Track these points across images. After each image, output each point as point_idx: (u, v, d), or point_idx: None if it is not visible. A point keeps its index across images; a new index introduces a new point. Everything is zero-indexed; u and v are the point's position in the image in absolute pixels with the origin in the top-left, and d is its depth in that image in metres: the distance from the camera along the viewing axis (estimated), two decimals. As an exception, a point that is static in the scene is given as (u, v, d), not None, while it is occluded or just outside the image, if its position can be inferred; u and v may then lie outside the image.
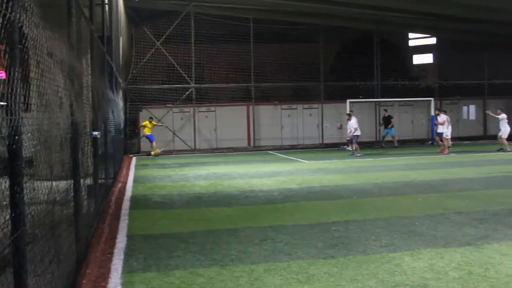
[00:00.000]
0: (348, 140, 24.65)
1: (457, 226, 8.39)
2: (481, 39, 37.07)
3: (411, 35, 49.92)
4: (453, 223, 8.57)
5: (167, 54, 27.50)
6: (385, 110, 28.72)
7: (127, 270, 6.40)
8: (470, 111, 33.43)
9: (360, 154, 22.38)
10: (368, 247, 7.19)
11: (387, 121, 27.98)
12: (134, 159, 23.68)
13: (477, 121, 33.01)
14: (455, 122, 30.60)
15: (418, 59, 52.07)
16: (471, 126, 32.39)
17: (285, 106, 30.12)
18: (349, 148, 23.90)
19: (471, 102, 33.63)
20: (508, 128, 22.57)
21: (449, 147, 22.71)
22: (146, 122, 24.78)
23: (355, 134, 22.83)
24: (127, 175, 17.11)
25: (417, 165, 18.15)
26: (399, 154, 22.85)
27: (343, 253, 6.92)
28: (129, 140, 26.57)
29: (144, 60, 27.21)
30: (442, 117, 22.84)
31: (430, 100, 29.44)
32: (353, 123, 22.95)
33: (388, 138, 27.87)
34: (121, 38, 21.42)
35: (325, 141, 29.69)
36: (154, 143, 24.78)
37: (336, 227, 8.48)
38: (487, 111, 24.84)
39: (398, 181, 14.12)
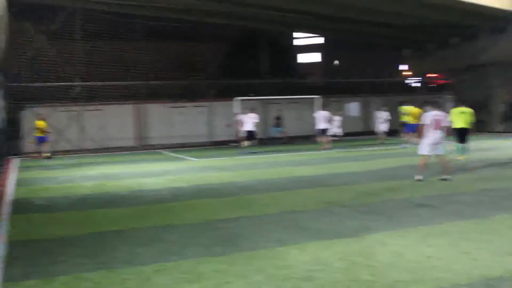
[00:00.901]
0: (239, 137, 25.03)
1: (339, 218, 8.73)
2: (363, 40, 38.83)
3: (298, 34, 51.17)
4: (337, 216, 8.90)
5: (53, 51, 26.38)
6: (278, 110, 29.45)
7: (6, 279, 6.07)
8: (354, 108, 34.89)
9: (253, 151, 22.66)
10: (256, 243, 7.30)
11: (277, 122, 28.81)
12: (17, 160, 22.49)
13: (360, 118, 34.50)
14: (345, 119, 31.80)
15: (305, 57, 53.58)
16: (355, 123, 33.76)
17: (175, 105, 29.92)
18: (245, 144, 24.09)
19: (354, 100, 35.09)
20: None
21: (327, 143, 23.35)
22: (40, 122, 23.43)
23: (249, 129, 22.99)
24: (7, 178, 16.23)
25: (304, 161, 18.66)
26: (287, 151, 23.40)
27: (232, 250, 6.98)
28: (14, 140, 25.10)
29: (26, 57, 25.93)
30: (322, 113, 23.48)
31: (316, 98, 30.34)
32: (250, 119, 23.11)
33: (277, 134, 28.63)
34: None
35: (215, 139, 29.82)
36: (45, 144, 23.52)
37: (225, 225, 8.53)
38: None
39: (285, 177, 14.45)
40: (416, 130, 20.66)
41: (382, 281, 5.57)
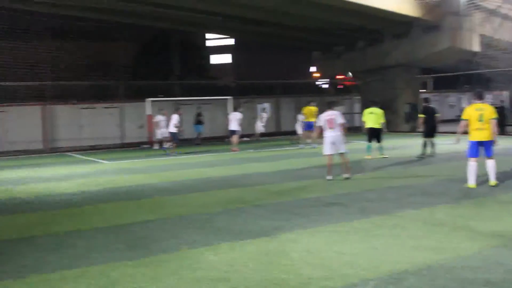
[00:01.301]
0: (157, 139, 24.97)
1: (254, 218, 8.80)
2: (274, 41, 39.38)
3: (210, 35, 51.15)
4: (250, 216, 8.97)
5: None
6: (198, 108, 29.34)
7: None
8: (265, 109, 35.24)
9: (180, 152, 22.62)
10: (168, 245, 7.21)
11: (198, 118, 28.70)
12: None
13: (271, 118, 34.91)
14: (251, 120, 32.06)
15: (217, 59, 53.67)
16: (266, 123, 34.13)
17: (84, 106, 29.08)
18: (165, 146, 23.87)
19: (266, 101, 35.49)
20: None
21: (237, 144, 23.44)
22: None
23: (172, 131, 22.76)
24: None
25: (216, 162, 18.68)
26: (200, 152, 23.32)
27: (144, 253, 6.86)
28: None
29: None
30: (236, 115, 23.57)
31: (228, 99, 30.47)
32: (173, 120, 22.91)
33: (194, 135, 28.58)
34: None
35: (126, 141, 29.25)
36: None
37: (136, 228, 8.38)
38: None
39: (198, 178, 14.41)
40: (314, 128, 21.43)
41: (296, 278, 5.65)
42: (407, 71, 33.29)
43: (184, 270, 6.08)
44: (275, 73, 37.27)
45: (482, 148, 11.09)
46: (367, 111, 18.36)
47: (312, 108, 22.87)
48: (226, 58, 51.70)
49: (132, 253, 6.91)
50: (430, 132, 17.53)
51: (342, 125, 12.78)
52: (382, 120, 18.08)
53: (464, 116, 11.23)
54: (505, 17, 29.15)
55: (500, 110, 27.78)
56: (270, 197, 10.82)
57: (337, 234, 7.52)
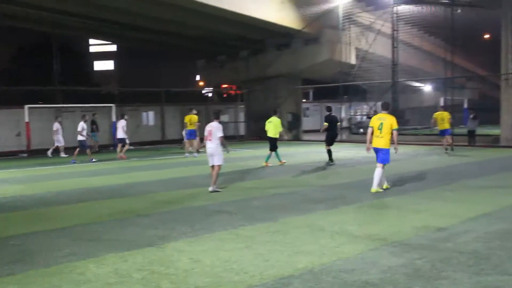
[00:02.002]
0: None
1: (140, 228, 8.68)
2: (158, 49, 39.08)
3: (92, 41, 49.80)
4: (135, 226, 8.84)
5: None
6: (93, 114, 28.28)
7: None
8: (150, 117, 34.87)
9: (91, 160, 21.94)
10: (50, 259, 6.93)
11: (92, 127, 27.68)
12: None
13: (156, 127, 34.58)
14: (136, 128, 31.59)
15: (100, 65, 52.31)
16: (151, 132, 33.77)
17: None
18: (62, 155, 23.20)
19: (150, 109, 35.09)
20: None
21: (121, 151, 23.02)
22: None
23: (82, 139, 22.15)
24: None
25: (100, 171, 18.19)
26: (83, 161, 22.55)
27: (24, 268, 6.54)
28: None
29: None
30: (122, 122, 23.15)
31: (112, 106, 29.80)
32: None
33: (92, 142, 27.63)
34: None
35: (2, 150, 27.65)
36: None
37: (15, 242, 7.98)
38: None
39: (82, 187, 13.95)
40: (196, 136, 21.66)
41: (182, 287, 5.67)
42: (289, 82, 34.32)
43: (68, 284, 5.88)
44: (160, 81, 36.94)
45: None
46: (268, 120, 18.89)
47: (193, 117, 22.82)
48: (109, 65, 50.54)
49: (12, 268, 6.57)
50: (332, 140, 18.27)
51: (220, 138, 12.41)
52: (279, 129, 18.57)
53: (370, 124, 12.02)
54: (378, 32, 30.92)
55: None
56: (156, 207, 10.72)
57: (223, 242, 7.60)
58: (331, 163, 18.01)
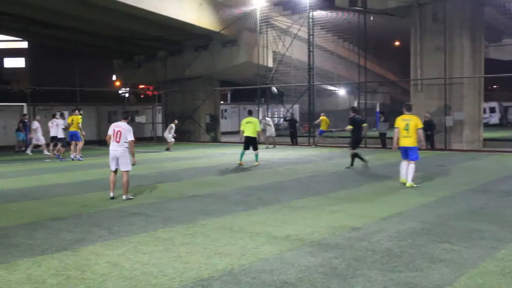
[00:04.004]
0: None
1: (53, 232, 8.40)
2: (73, 47, 37.99)
3: (1, 37, 47.74)
4: (50, 229, 8.55)
5: None
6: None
7: None
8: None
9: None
10: (-43, 265, 6.59)
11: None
12: None
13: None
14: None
15: (10, 62, 50.21)
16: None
17: None
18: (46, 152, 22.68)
19: (64, 108, 33.99)
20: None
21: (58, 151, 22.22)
22: None
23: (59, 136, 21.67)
24: None
25: (8, 173, 17.46)
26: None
27: None
28: None
29: None
30: (35, 124, 22.43)
31: (23, 105, 28.68)
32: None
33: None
34: None
35: None
36: None
37: None
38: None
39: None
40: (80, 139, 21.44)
41: (99, 292, 5.54)
42: (207, 83, 34.33)
43: (-24, 291, 5.62)
44: (75, 79, 35.87)
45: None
46: (244, 120, 18.84)
47: (77, 117, 21.73)
48: (20, 62, 48.59)
49: None
50: (357, 143, 17.44)
51: (130, 141, 11.26)
52: (258, 129, 18.69)
53: (396, 125, 12.91)
54: (295, 36, 31.50)
55: (292, 122, 29.94)
56: (70, 209, 10.39)
57: (141, 244, 7.50)
58: (350, 167, 17.05)
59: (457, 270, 6.11)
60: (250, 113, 19.78)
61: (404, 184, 12.83)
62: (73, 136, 21.61)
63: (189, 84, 34.20)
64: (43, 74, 38.75)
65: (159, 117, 38.03)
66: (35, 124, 24.38)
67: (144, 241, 7.71)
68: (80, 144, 21.70)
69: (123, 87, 43.57)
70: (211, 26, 30.30)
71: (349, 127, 17.21)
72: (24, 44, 47.08)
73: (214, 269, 6.25)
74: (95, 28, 30.74)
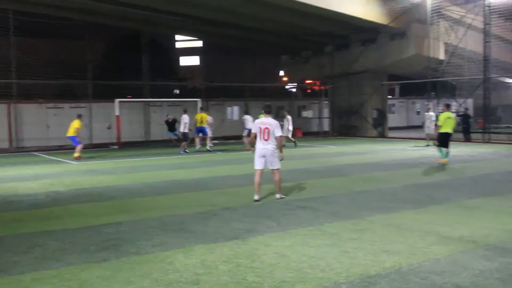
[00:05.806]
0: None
1: (225, 221, 8.81)
2: (243, 45, 39.43)
3: (178, 37, 50.97)
4: (222, 219, 8.98)
5: None
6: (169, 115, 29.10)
7: None
8: (234, 112, 35.33)
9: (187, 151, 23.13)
10: (141, 247, 7.18)
11: (171, 125, 28.26)
12: None
13: (240, 121, 34.94)
14: (220, 123, 32.17)
15: (185, 60, 53.49)
16: (235, 126, 34.14)
17: (50, 105, 28.71)
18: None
19: (234, 104, 35.55)
20: None
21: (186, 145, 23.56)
22: None
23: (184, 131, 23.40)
24: None
25: (185, 164, 18.63)
26: (165, 154, 23.18)
27: (116, 255, 6.81)
28: None
29: None
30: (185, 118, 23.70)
31: (197, 101, 30.40)
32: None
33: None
34: None
35: (94, 141, 28.94)
36: None
37: (107, 229, 8.31)
38: None
39: (168, 180, 14.34)
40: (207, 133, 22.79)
41: (268, 281, 5.69)
42: (374, 77, 33.71)
43: (157, 272, 6.06)
44: (244, 76, 37.30)
45: None
46: (444, 115, 17.14)
47: (204, 115, 24.02)
48: (194, 60, 51.57)
49: (104, 254, 6.85)
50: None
51: (279, 138, 10.70)
52: (453, 125, 17.50)
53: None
54: (469, 26, 29.78)
55: (465, 117, 28.39)
56: (240, 200, 10.82)
57: (308, 237, 7.58)
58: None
59: None
60: (448, 106, 18.13)
61: None
62: (199, 131, 23.99)
63: (356, 79, 33.87)
64: (215, 70, 40.67)
65: (326, 112, 38.16)
66: (210, 119, 25.60)
67: (311, 234, 7.79)
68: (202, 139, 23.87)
69: (290, 82, 44.37)
70: (378, 19, 29.69)
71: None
72: (199, 43, 49.73)
73: (382, 266, 6.13)
74: (262, 25, 31.58)
